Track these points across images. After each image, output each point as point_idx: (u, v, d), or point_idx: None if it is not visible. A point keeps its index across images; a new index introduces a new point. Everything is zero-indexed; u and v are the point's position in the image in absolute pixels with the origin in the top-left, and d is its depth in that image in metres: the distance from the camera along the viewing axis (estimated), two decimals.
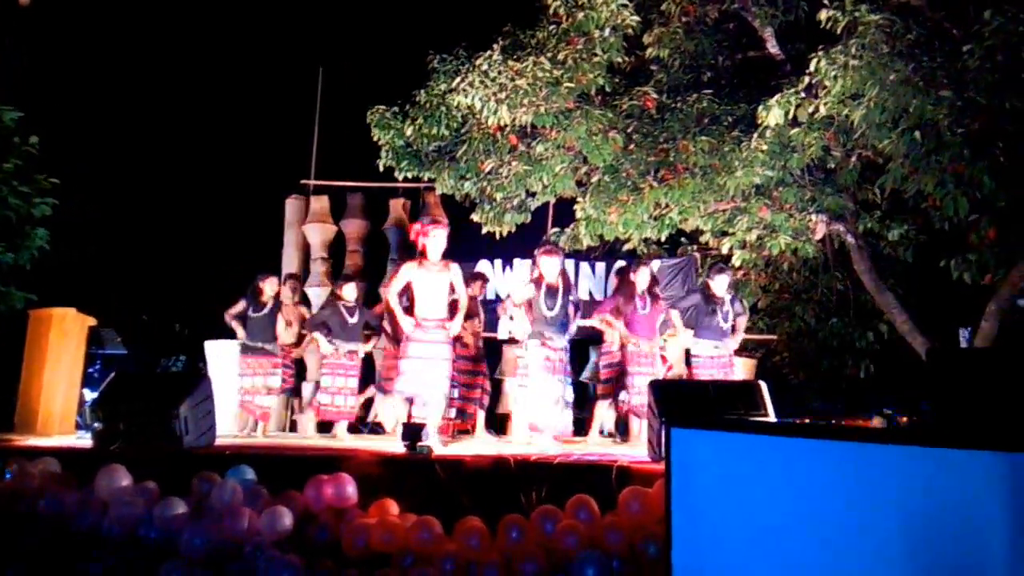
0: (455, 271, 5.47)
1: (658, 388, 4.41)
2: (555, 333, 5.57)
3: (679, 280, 7.97)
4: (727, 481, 2.72)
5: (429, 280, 5.39)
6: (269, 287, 6.61)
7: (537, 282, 5.66)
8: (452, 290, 5.54)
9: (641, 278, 6.15)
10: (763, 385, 4.38)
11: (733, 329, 6.10)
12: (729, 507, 2.68)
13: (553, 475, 4.09)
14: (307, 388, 8.25)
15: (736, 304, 6.19)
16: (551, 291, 5.61)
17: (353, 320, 6.51)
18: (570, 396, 5.64)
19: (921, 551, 2.05)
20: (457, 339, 5.83)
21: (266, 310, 6.57)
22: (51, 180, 7.52)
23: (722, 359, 5.99)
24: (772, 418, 4.15)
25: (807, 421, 6.69)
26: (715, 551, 2.70)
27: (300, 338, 7.12)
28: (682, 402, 4.25)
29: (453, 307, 5.59)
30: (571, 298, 5.76)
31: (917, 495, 2.09)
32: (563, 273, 5.74)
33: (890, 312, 7.11)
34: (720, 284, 6.04)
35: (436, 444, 5.11)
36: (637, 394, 5.88)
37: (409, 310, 5.49)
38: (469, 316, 6.26)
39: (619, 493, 3.82)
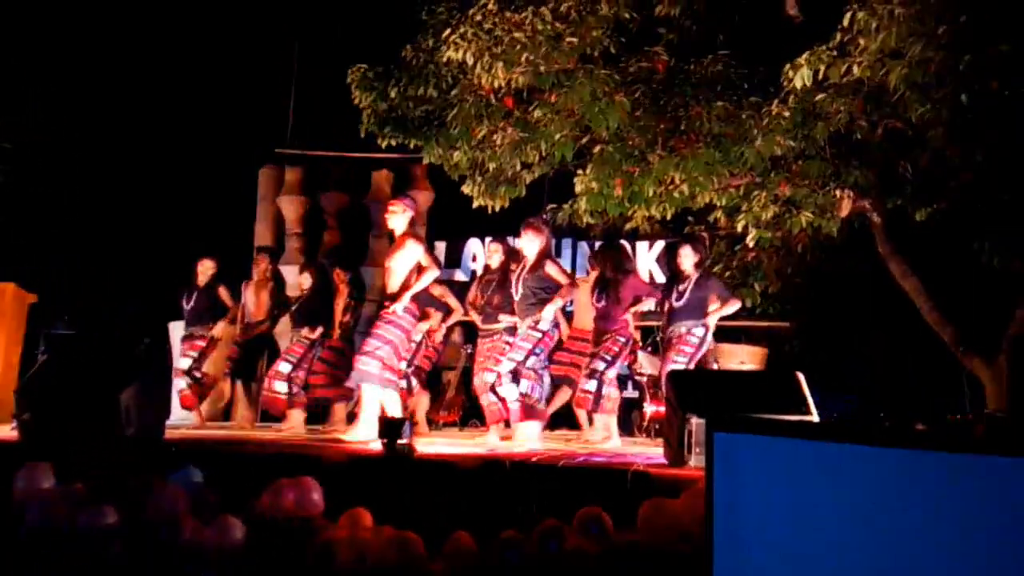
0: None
1: (678, 379, 3.79)
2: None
3: None
4: (783, 496, 2.20)
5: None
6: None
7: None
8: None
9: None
10: (801, 378, 3.77)
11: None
12: (784, 527, 2.17)
13: (557, 481, 3.49)
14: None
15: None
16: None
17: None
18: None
19: None
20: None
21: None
22: (3, 145, 6.87)
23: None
24: (815, 417, 3.54)
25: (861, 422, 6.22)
26: None
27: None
28: (707, 396, 3.63)
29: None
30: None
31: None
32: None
33: (916, 299, 6.54)
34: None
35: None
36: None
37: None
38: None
39: (635, 503, 3.24)
